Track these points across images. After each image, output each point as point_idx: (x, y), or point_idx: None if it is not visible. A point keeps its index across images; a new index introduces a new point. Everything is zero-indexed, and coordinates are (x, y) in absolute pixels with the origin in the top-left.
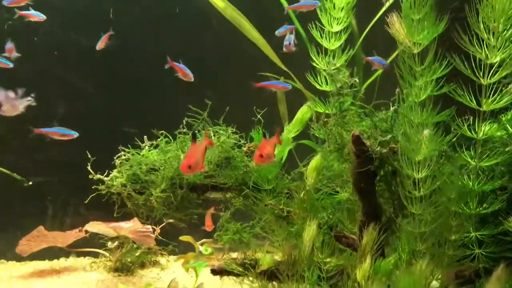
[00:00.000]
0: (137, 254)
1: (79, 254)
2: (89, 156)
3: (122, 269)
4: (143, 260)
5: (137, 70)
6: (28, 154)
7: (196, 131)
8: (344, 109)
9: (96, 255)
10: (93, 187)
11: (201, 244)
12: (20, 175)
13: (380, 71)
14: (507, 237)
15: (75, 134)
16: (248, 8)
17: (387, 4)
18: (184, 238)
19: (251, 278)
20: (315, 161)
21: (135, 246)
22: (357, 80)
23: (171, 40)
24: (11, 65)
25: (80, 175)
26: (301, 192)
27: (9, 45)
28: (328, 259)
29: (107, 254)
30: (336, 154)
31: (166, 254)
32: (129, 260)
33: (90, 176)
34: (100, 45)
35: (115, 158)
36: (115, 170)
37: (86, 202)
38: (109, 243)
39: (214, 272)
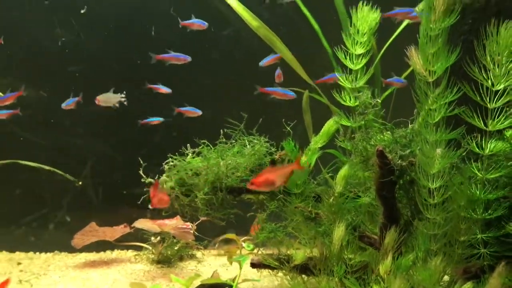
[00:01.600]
0: (176, 248)
1: (122, 247)
2: (141, 161)
3: (164, 261)
4: (181, 254)
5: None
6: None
7: (234, 140)
8: (368, 126)
9: (137, 248)
10: (144, 189)
11: (244, 241)
12: (74, 176)
13: (394, 87)
14: (509, 239)
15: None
16: (276, 24)
17: (404, 24)
18: (229, 235)
19: (284, 271)
20: (343, 170)
21: (174, 240)
22: (379, 101)
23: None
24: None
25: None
26: (330, 198)
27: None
28: (352, 256)
29: (150, 248)
30: (361, 165)
31: (202, 249)
32: (169, 253)
33: (142, 180)
34: None
35: (163, 164)
36: (164, 175)
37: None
38: (152, 238)
39: (254, 265)
